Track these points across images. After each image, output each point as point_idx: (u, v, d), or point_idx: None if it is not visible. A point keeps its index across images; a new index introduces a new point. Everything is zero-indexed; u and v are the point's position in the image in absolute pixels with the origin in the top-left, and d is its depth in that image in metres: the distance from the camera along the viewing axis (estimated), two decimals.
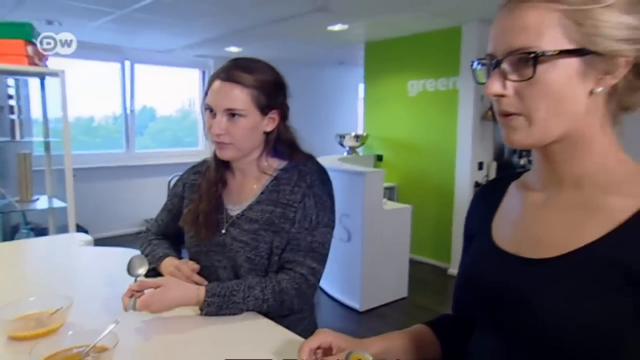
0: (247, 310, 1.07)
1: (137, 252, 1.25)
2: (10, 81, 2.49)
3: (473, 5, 3.29)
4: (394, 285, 3.40)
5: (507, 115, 0.65)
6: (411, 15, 3.63)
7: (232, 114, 1.08)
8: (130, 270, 1.10)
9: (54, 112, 2.70)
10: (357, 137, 4.37)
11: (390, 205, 3.47)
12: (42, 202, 2.64)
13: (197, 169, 1.30)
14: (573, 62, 0.60)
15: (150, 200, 4.75)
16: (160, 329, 1.01)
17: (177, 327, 1.02)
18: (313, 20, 3.77)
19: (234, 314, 1.05)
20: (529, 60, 0.60)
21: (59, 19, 3.69)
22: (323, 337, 0.82)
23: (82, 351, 0.82)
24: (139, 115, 5.39)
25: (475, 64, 0.70)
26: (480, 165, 3.84)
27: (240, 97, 1.08)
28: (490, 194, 0.82)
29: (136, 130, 5.34)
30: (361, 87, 5.17)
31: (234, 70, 1.09)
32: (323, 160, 1.26)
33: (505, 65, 0.63)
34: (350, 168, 3.43)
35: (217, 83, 1.09)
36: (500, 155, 3.99)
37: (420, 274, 3.87)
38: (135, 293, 1.00)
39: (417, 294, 3.50)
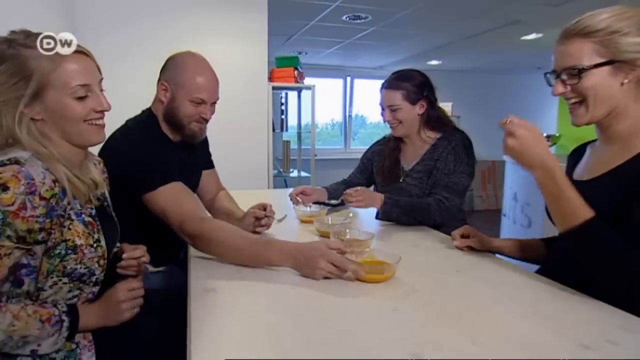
0: (405, 213, 1.61)
1: None
2: (283, 94, 3.82)
3: None
4: None
5: (569, 99, 0.99)
6: None
7: (392, 109, 1.72)
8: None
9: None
10: (547, 137, 4.54)
11: None
12: (294, 174, 3.91)
13: (380, 142, 1.94)
14: (604, 69, 0.92)
15: None
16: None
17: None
18: (507, 32, 4.08)
19: (397, 213, 1.60)
20: (576, 72, 0.94)
21: (306, 49, 5.01)
22: (466, 229, 1.35)
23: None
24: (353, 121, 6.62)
25: (547, 75, 1.05)
26: None
27: (394, 97, 1.70)
28: (579, 151, 1.19)
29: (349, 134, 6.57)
30: None
31: (391, 80, 1.73)
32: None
33: (563, 76, 0.98)
34: None
35: (383, 91, 1.74)
36: None
37: None
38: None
39: None
